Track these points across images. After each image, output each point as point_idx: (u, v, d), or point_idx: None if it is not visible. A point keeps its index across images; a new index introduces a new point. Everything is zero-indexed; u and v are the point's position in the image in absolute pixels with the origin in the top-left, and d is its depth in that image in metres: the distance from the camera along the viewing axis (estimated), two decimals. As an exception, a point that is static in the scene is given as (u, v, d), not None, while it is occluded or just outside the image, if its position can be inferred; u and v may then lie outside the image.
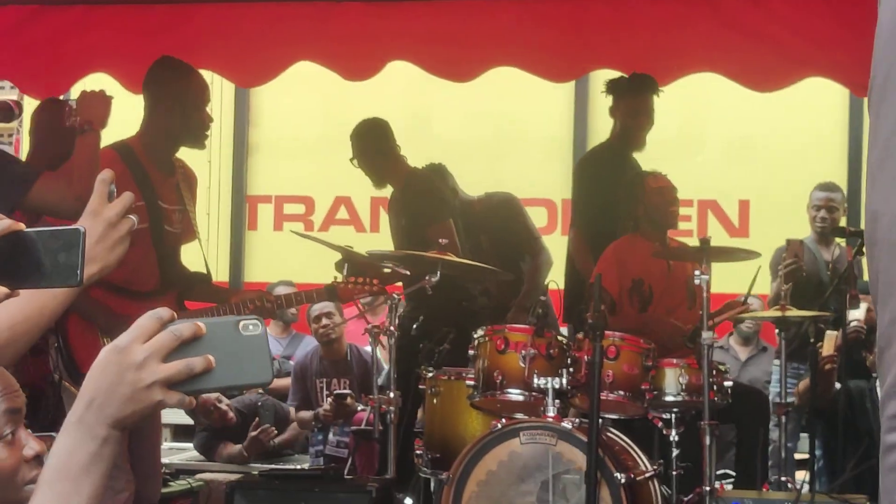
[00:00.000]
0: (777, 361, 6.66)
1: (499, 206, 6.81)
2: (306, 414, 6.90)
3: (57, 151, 4.55)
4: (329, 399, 6.70)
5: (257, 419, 6.78)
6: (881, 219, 1.45)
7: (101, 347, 4.17)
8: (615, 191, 6.00)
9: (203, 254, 4.69)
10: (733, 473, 6.08)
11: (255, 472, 4.82)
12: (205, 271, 4.72)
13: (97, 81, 6.66)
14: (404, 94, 6.42)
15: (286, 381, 7.53)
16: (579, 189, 6.45)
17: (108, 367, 1.54)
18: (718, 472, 5.47)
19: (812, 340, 5.77)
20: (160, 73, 4.59)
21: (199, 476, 6.12)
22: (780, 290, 5.84)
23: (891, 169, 1.44)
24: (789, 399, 5.80)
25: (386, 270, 5.30)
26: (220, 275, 8.89)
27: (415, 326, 5.57)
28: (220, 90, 8.59)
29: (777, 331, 5.67)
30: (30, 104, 9.03)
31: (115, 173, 4.33)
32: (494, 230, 6.58)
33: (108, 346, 1.56)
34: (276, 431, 6.86)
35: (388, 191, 6.37)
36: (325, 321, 6.86)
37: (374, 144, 6.13)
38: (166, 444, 7.91)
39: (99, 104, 4.11)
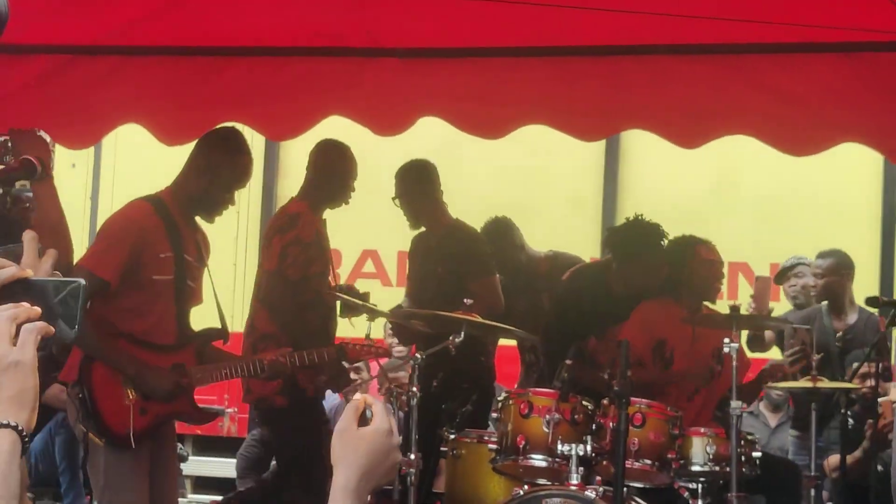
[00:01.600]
0: (794, 432, 6.58)
1: (566, 269, 6.74)
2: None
3: None
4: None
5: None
6: None
7: (124, 398, 4.13)
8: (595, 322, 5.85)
9: (220, 310, 4.65)
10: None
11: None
12: (220, 326, 4.68)
13: (130, 132, 6.69)
14: (434, 150, 6.38)
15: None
16: (558, 313, 6.23)
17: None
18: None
19: (843, 411, 5.67)
20: (224, 146, 4.60)
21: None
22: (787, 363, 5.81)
23: None
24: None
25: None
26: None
27: (434, 384, 5.50)
28: (250, 140, 8.60)
29: (812, 403, 5.55)
30: (61, 154, 9.10)
31: (149, 226, 4.33)
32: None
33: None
34: None
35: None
36: (353, 376, 6.81)
37: (419, 185, 6.09)
38: (184, 500, 7.86)
39: (38, 144, 4.09)
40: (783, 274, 7.25)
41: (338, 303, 5.51)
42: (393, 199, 6.14)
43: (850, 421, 5.97)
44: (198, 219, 4.67)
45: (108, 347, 4.29)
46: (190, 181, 4.55)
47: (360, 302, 5.40)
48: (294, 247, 5.53)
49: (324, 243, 5.65)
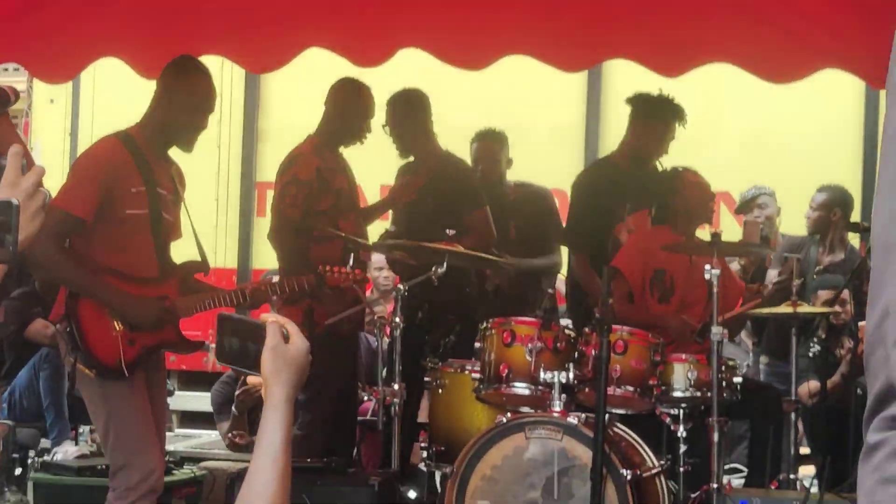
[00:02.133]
0: (764, 359, 6.63)
1: (535, 199, 6.75)
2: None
3: None
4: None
5: (241, 379, 6.77)
6: (875, 217, 1.41)
7: (112, 330, 4.15)
8: (617, 210, 5.92)
9: (198, 243, 4.64)
10: (742, 468, 6.03)
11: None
12: (200, 259, 4.68)
13: (109, 67, 6.64)
14: (415, 82, 6.34)
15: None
16: (579, 209, 6.30)
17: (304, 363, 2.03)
18: (727, 467, 5.41)
19: (823, 336, 5.71)
20: (177, 72, 4.58)
21: (203, 465, 6.09)
22: (772, 290, 5.83)
23: (889, 164, 1.39)
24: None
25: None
26: (229, 261, 8.87)
27: (419, 316, 5.52)
28: (230, 76, 8.55)
29: (791, 328, 5.57)
30: (39, 88, 9.03)
31: (118, 160, 4.32)
32: (525, 222, 6.50)
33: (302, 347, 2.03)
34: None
35: (393, 178, 6.31)
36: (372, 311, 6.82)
37: (410, 114, 6.04)
38: (171, 433, 7.90)
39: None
40: (746, 205, 7.26)
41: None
42: (383, 126, 6.09)
43: (818, 348, 6.02)
44: (173, 153, 4.64)
45: (92, 282, 4.31)
46: (153, 113, 4.54)
47: (340, 234, 5.39)
48: (291, 186, 5.58)
49: (334, 181, 5.61)
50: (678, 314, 5.57)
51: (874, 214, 1.40)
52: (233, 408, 6.80)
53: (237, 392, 6.75)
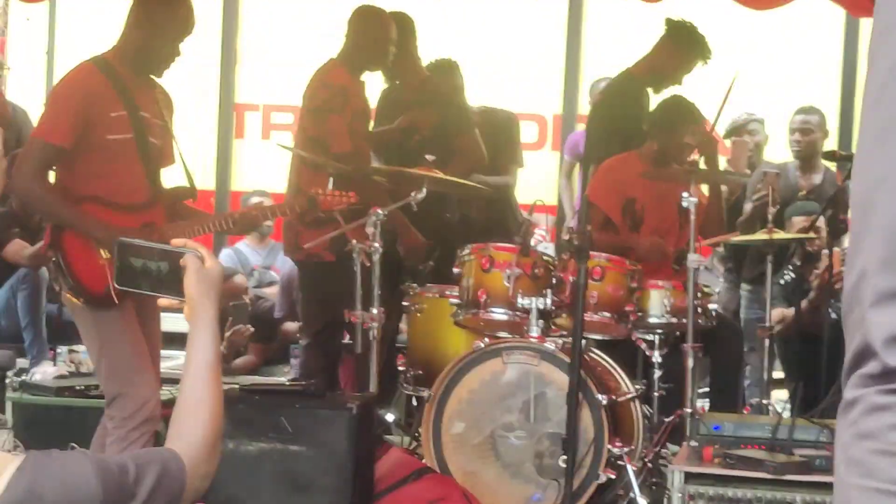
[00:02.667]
0: (746, 286, 6.67)
1: (500, 123, 6.73)
2: (292, 325, 6.90)
3: None
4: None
5: (230, 320, 6.79)
6: (856, 177, 1.42)
7: (98, 258, 4.15)
8: (636, 124, 5.89)
9: (186, 168, 4.62)
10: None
11: (237, 387, 4.81)
12: (188, 185, 4.66)
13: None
14: (394, 6, 6.28)
15: (271, 290, 7.54)
16: (598, 122, 6.30)
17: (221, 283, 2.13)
18: (701, 391, 5.48)
19: (799, 264, 5.76)
20: None
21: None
22: (753, 214, 5.84)
23: (871, 123, 1.40)
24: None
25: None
26: (207, 183, 8.84)
27: (398, 242, 5.53)
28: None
29: (767, 255, 5.61)
30: (15, 6, 8.91)
31: (93, 85, 4.26)
32: (489, 145, 6.49)
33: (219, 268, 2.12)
34: (251, 330, 6.87)
35: (373, 101, 6.27)
36: None
37: (399, 39, 5.95)
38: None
39: None
40: (736, 130, 7.25)
41: None
42: None
43: (792, 275, 6.06)
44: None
45: (72, 213, 4.25)
46: (130, 36, 4.43)
47: (318, 158, 5.37)
48: (303, 112, 5.64)
49: (347, 105, 5.56)
50: (652, 236, 5.57)
51: (854, 173, 1.41)
52: (222, 346, 6.83)
53: (228, 333, 6.77)
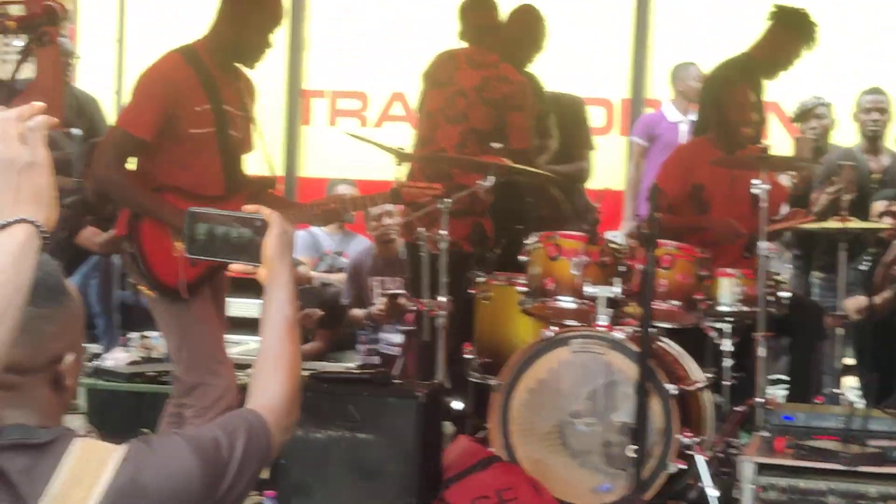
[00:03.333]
0: (819, 274, 6.57)
1: (568, 108, 6.68)
2: (359, 312, 6.92)
3: None
4: (382, 299, 6.71)
5: (299, 304, 6.82)
6: None
7: (174, 251, 4.16)
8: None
9: (267, 157, 4.60)
10: (786, 378, 6.02)
11: (305, 374, 4.83)
12: (269, 174, 4.66)
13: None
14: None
15: (340, 276, 7.55)
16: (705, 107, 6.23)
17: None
18: (772, 378, 5.41)
19: (876, 252, 5.66)
20: None
21: (249, 372, 6.16)
22: (830, 205, 5.75)
23: None
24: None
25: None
26: (275, 169, 8.87)
27: (471, 231, 5.51)
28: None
29: (840, 243, 5.53)
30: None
31: (180, 77, 4.28)
32: (559, 131, 6.45)
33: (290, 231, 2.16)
34: (320, 313, 6.89)
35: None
36: (385, 220, 6.83)
37: (484, 21, 5.85)
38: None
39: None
40: (804, 114, 7.15)
41: None
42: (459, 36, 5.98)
43: (870, 263, 5.96)
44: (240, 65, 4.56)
45: (152, 202, 4.26)
46: (221, 29, 4.43)
47: (388, 146, 5.38)
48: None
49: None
50: (723, 218, 5.50)
51: None
52: None
53: (297, 318, 6.79)
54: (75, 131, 5.92)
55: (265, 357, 2.07)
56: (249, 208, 2.20)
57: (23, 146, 1.63)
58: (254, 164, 4.66)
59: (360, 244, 7.53)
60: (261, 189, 4.54)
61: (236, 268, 2.17)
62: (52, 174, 1.67)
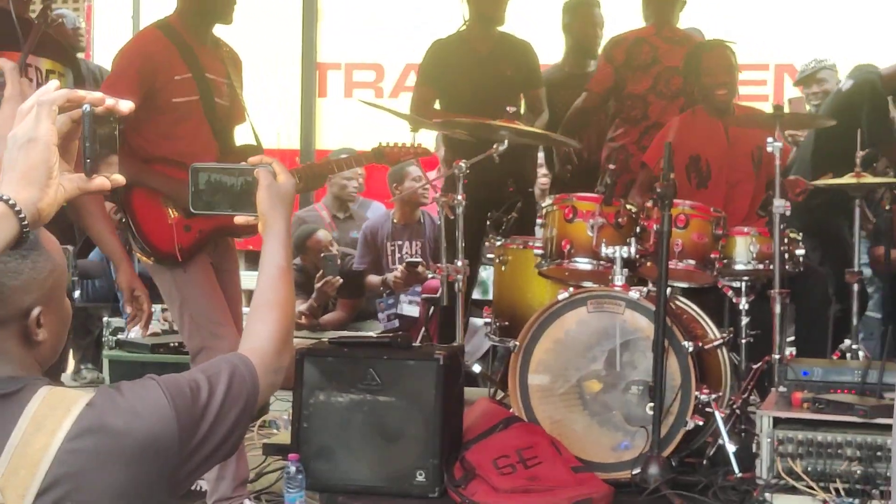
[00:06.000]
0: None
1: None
2: (375, 278, 6.96)
3: None
4: (400, 266, 6.75)
5: (321, 271, 6.88)
6: None
7: (167, 217, 4.17)
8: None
9: (252, 127, 4.62)
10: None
11: (325, 340, 4.88)
12: (255, 143, 4.69)
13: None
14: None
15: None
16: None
17: (293, 198, 2.25)
18: (789, 340, 5.44)
19: (888, 207, 5.66)
20: None
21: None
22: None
23: None
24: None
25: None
26: (292, 142, 8.93)
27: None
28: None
29: (855, 199, 5.53)
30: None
31: (156, 49, 4.28)
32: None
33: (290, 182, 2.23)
34: (340, 280, 6.95)
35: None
36: (413, 184, 6.90)
37: None
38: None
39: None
40: (806, 79, 7.13)
41: None
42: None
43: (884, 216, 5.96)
44: (224, 36, 4.58)
45: (140, 171, 4.28)
46: None
47: (403, 113, 5.41)
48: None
49: None
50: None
51: None
52: (312, 298, 6.92)
53: (319, 284, 6.85)
54: (86, 107, 5.95)
55: (257, 303, 2.13)
56: (253, 160, 2.26)
57: (30, 122, 1.62)
58: (241, 136, 4.69)
59: (377, 210, 7.58)
60: (244, 159, 4.56)
61: (240, 220, 2.22)
62: (54, 153, 1.63)
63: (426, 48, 6.16)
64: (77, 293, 6.73)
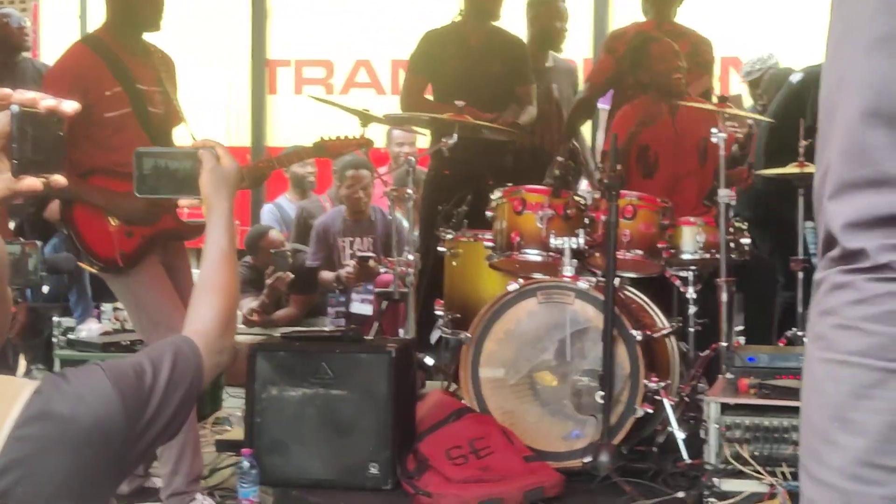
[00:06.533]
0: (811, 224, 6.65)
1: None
2: (328, 274, 6.97)
3: None
4: (352, 261, 6.77)
5: (271, 268, 6.90)
6: (823, 82, 1.57)
7: (108, 225, 4.14)
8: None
9: (189, 130, 4.62)
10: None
11: (277, 335, 4.90)
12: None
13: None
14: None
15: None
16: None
17: (237, 179, 2.26)
18: (738, 329, 5.51)
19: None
20: None
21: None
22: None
23: (832, 32, 1.55)
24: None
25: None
26: (242, 139, 8.92)
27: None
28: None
29: (799, 189, 5.62)
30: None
31: (85, 66, 4.25)
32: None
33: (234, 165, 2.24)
34: (290, 276, 6.95)
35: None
36: (357, 188, 6.90)
37: None
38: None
39: None
40: (755, 81, 7.23)
41: None
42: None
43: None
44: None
45: (79, 187, 4.25)
46: (110, 6, 4.42)
47: (353, 108, 5.43)
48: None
49: None
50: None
51: (822, 79, 1.54)
52: (263, 295, 6.94)
53: (270, 281, 6.87)
54: (14, 108, 5.91)
55: (200, 286, 2.15)
56: (197, 144, 2.27)
57: None
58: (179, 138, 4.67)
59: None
60: None
61: (184, 202, 2.24)
62: None
63: (376, 44, 6.18)
64: (45, 288, 6.67)
